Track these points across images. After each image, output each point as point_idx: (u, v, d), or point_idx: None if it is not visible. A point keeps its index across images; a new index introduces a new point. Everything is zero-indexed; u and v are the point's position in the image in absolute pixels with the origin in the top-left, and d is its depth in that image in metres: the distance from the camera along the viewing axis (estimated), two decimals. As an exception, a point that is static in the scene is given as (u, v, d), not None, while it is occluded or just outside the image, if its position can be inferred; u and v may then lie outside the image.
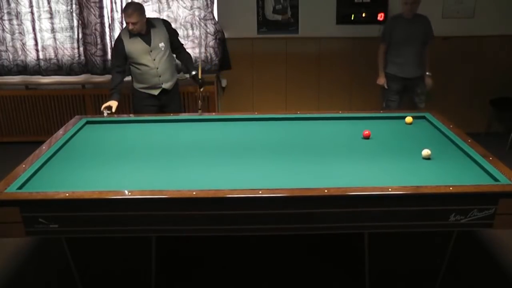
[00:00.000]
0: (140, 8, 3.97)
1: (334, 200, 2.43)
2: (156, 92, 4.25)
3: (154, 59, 4.13)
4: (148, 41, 4.09)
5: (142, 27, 4.03)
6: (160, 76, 4.20)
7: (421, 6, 5.01)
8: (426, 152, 2.88)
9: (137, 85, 4.27)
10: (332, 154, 3.01)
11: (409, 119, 3.50)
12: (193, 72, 4.21)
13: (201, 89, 4.24)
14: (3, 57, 5.28)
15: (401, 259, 2.77)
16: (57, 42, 5.24)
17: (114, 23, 5.20)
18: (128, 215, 2.44)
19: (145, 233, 2.52)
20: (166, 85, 4.26)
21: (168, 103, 4.34)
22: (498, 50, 5.37)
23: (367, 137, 3.22)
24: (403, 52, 4.63)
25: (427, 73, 4.70)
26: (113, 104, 3.91)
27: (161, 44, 4.13)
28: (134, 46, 4.08)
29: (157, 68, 4.16)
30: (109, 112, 3.85)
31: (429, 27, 4.66)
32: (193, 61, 4.46)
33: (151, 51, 4.11)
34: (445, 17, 5.27)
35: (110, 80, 4.17)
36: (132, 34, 4.06)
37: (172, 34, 4.26)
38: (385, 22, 5.08)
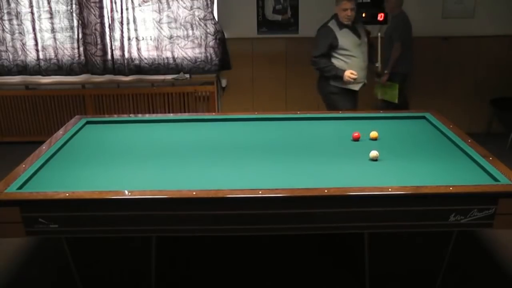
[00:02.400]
0: None
1: (334, 200, 2.42)
2: (357, 87, 4.30)
3: (363, 52, 4.26)
4: (357, 33, 4.22)
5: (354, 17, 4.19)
6: (362, 70, 4.28)
7: (422, 6, 5.03)
8: (373, 153, 2.87)
9: (336, 82, 4.28)
10: (332, 154, 3.01)
11: (373, 134, 3.24)
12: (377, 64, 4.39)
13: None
14: (3, 57, 5.28)
15: (401, 259, 2.77)
16: (57, 42, 5.25)
17: (114, 23, 5.20)
18: (128, 215, 2.44)
19: (145, 233, 2.52)
20: (364, 81, 4.35)
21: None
22: (498, 50, 5.37)
23: (356, 139, 3.19)
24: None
25: (385, 70, 4.90)
26: (351, 71, 4.12)
27: (365, 39, 4.28)
28: (346, 38, 4.18)
29: (364, 61, 4.27)
30: (355, 77, 4.11)
31: (396, 26, 4.85)
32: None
33: (360, 44, 4.23)
34: (445, 17, 5.27)
35: (322, 64, 4.22)
36: (342, 26, 4.17)
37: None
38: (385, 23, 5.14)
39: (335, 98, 4.34)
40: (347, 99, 4.33)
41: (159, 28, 5.23)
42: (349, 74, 4.15)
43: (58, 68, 5.32)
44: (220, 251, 3.33)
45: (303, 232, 2.78)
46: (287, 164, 2.86)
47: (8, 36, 5.21)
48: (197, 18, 5.21)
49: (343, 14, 4.14)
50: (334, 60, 4.24)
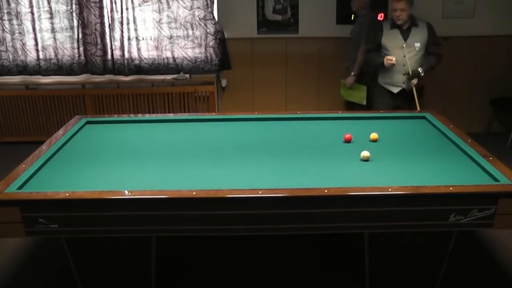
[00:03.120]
0: None
1: (334, 200, 2.43)
2: (395, 90, 4.31)
3: (405, 56, 4.18)
4: (405, 36, 4.17)
5: (407, 19, 4.13)
6: (404, 75, 4.23)
7: (421, 6, 5.02)
8: (365, 153, 2.87)
9: (380, 79, 4.38)
10: (332, 154, 3.01)
11: (373, 135, 3.22)
12: (419, 69, 4.19)
13: (412, 81, 4.20)
14: (3, 57, 5.28)
15: (401, 259, 2.77)
16: (57, 42, 5.25)
17: (114, 23, 5.20)
18: (128, 215, 2.44)
19: (145, 233, 2.52)
20: (406, 86, 4.27)
21: (402, 105, 4.31)
22: (498, 50, 5.37)
23: (348, 141, 3.17)
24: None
25: (352, 72, 4.89)
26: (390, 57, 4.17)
27: (417, 44, 4.16)
28: (391, 38, 4.20)
29: (404, 66, 4.19)
30: (392, 62, 4.14)
31: (362, 27, 4.76)
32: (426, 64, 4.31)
33: (403, 48, 4.17)
34: (445, 17, 5.27)
35: (372, 57, 4.37)
36: (393, 26, 4.18)
37: (431, 39, 4.23)
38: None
39: (374, 98, 4.40)
40: (383, 101, 4.36)
41: (159, 28, 5.23)
42: (386, 58, 4.21)
43: (58, 68, 5.32)
44: (220, 251, 3.33)
45: (303, 232, 2.78)
46: (287, 164, 2.86)
47: (8, 36, 5.21)
48: (197, 18, 5.21)
49: (393, 14, 4.17)
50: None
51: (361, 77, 4.81)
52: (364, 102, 4.81)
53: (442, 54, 4.35)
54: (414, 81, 4.18)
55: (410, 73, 4.15)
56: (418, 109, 4.09)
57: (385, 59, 4.20)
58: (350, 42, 4.91)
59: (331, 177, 2.65)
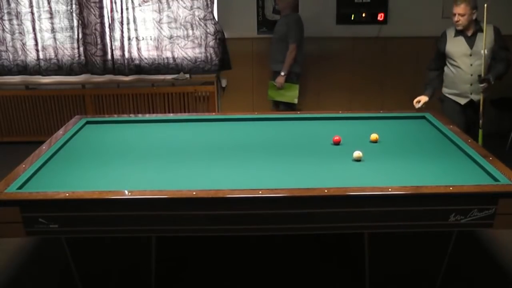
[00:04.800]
0: (471, 1, 3.72)
1: (334, 200, 2.42)
2: (463, 101, 3.97)
3: (471, 65, 3.86)
4: (471, 43, 3.84)
5: (468, 24, 3.79)
6: (471, 85, 3.90)
7: (421, 6, 5.01)
8: (356, 154, 2.87)
9: (445, 90, 4.07)
10: (332, 154, 3.01)
11: (374, 136, 3.20)
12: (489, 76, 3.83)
13: (482, 85, 3.81)
14: (3, 57, 5.28)
15: (401, 259, 2.77)
16: (57, 42, 5.25)
17: (114, 23, 5.21)
18: (128, 215, 2.44)
19: (145, 233, 2.53)
20: (475, 97, 3.93)
21: (473, 118, 3.97)
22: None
23: (337, 143, 3.14)
24: (271, 45, 4.99)
25: (282, 72, 4.80)
26: (422, 98, 3.99)
27: (484, 51, 3.77)
28: (455, 45, 3.89)
29: (471, 75, 3.88)
30: (419, 106, 3.97)
31: (290, 26, 4.75)
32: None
33: (470, 55, 3.85)
34: (445, 17, 5.25)
35: (428, 73, 4.18)
36: (457, 33, 3.87)
37: (498, 44, 3.87)
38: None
39: (443, 104, 4.12)
40: (452, 111, 4.00)
41: (159, 28, 5.23)
42: (416, 100, 4.04)
43: (58, 68, 5.32)
44: (220, 251, 3.33)
45: (303, 232, 2.78)
46: (287, 164, 2.86)
47: (8, 36, 5.21)
48: (197, 18, 5.21)
49: (452, 19, 3.85)
50: (445, 67, 4.04)
51: (288, 76, 4.82)
52: (296, 101, 4.85)
53: None
54: (484, 85, 3.79)
55: (483, 75, 3.77)
56: (480, 143, 3.73)
57: (414, 102, 4.03)
58: (278, 42, 4.85)
59: (331, 177, 2.65)
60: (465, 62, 3.88)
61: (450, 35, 3.95)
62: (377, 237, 2.65)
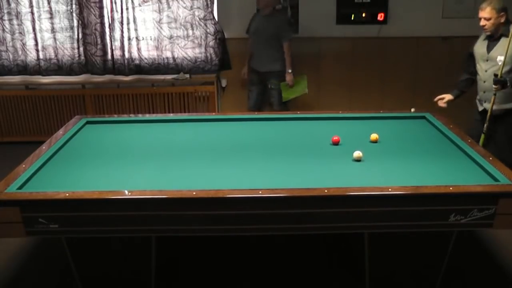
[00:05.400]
0: (496, 4, 3.50)
1: (334, 200, 2.42)
2: (479, 108, 3.84)
3: (486, 71, 3.66)
4: (490, 48, 3.64)
5: (495, 28, 3.56)
6: (484, 92, 3.72)
7: (421, 6, 5.01)
8: (357, 154, 2.87)
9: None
10: (332, 154, 3.01)
11: (374, 136, 3.19)
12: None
13: (496, 87, 3.54)
14: (3, 57, 5.29)
15: (401, 259, 2.77)
16: (57, 42, 5.25)
17: (114, 23, 5.21)
18: (128, 215, 2.44)
19: (145, 233, 2.52)
20: (487, 106, 3.69)
21: (493, 131, 3.71)
22: (498, 50, 5.36)
23: (336, 143, 3.14)
24: (256, 46, 5.00)
25: (288, 70, 4.93)
26: (446, 96, 3.92)
27: (500, 58, 3.53)
28: (478, 48, 3.74)
29: (484, 82, 3.68)
30: (442, 104, 3.92)
31: (282, 25, 4.89)
32: None
33: (487, 60, 3.65)
34: (445, 17, 5.27)
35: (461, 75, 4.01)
36: (486, 36, 3.66)
37: None
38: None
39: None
40: (474, 117, 3.94)
41: (159, 28, 5.23)
42: (439, 97, 3.97)
43: (58, 68, 5.33)
44: (220, 251, 3.33)
45: (303, 232, 2.78)
46: (287, 164, 2.86)
47: (8, 36, 5.22)
48: (197, 18, 5.21)
49: (480, 23, 3.65)
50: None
51: (281, 74, 4.95)
52: (307, 91, 4.98)
53: None
54: (497, 87, 3.50)
55: (500, 75, 3.49)
56: (481, 144, 3.55)
57: (437, 98, 3.96)
58: (267, 42, 4.91)
59: (331, 177, 2.65)
60: (482, 67, 3.72)
61: (481, 37, 3.78)
62: (377, 237, 2.64)
